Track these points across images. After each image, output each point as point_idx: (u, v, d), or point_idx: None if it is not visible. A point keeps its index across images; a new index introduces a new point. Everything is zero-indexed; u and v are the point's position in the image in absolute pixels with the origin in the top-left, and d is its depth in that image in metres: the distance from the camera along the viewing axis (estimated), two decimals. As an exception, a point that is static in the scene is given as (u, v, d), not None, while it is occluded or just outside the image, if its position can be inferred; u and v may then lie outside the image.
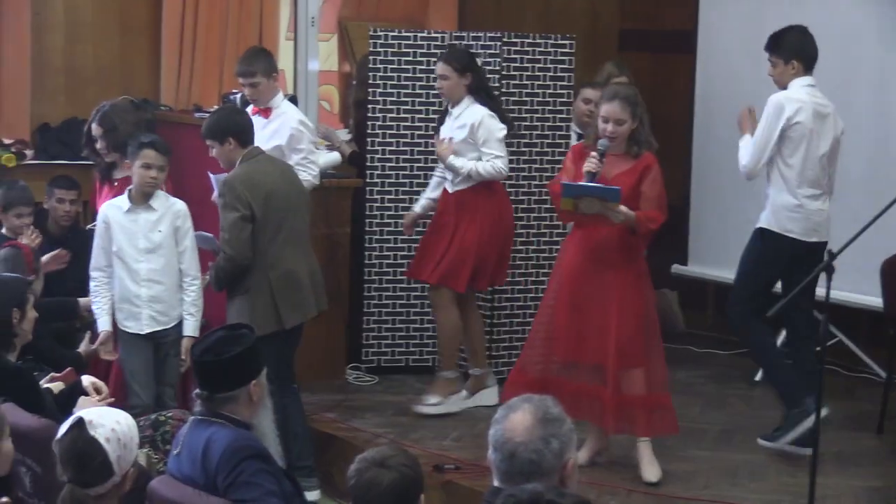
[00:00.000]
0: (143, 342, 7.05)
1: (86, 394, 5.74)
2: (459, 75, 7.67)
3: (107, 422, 4.20)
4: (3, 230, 7.52)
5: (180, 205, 7.17)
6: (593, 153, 6.56)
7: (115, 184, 7.59)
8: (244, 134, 7.05)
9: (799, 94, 7.25)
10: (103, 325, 7.10)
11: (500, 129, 7.68)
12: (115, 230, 7.04)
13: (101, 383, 5.89)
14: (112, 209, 7.10)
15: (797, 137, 7.18)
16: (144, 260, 7.05)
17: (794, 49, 7.40)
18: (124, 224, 7.05)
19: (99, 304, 7.10)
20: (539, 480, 3.53)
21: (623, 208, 6.47)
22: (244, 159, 6.99)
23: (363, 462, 4.07)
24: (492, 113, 7.68)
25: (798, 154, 7.20)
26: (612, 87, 6.85)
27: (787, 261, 7.21)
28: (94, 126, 7.67)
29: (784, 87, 7.33)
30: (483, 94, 7.74)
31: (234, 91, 8.54)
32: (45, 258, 7.54)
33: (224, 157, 7.04)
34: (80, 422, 4.18)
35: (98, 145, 7.65)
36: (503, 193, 7.91)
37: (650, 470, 6.70)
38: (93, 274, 7.13)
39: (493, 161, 7.60)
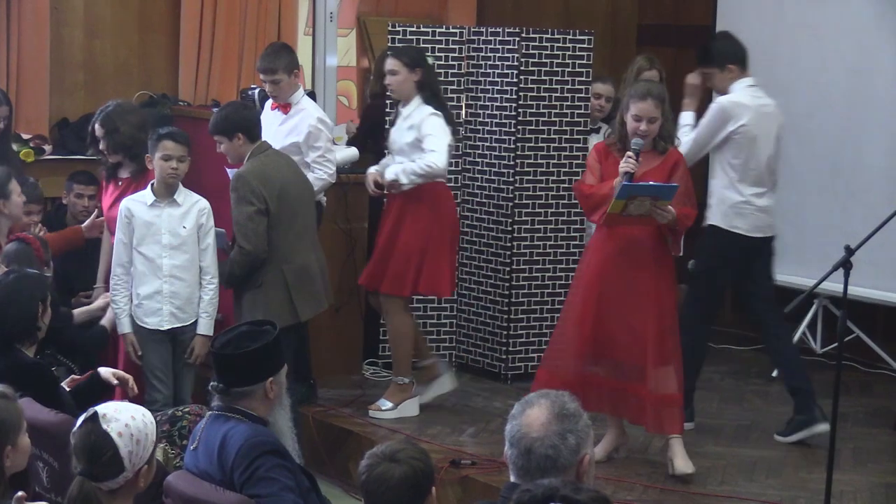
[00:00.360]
0: (161, 338, 7.01)
1: (104, 386, 5.74)
2: (409, 70, 7.56)
3: (122, 417, 4.19)
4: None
5: (204, 202, 7.11)
6: (629, 152, 6.46)
7: (120, 183, 7.47)
8: (253, 129, 7.08)
9: (743, 98, 7.43)
10: (124, 327, 7.01)
11: (443, 128, 7.51)
12: (137, 224, 6.97)
13: (121, 372, 5.89)
14: (135, 203, 7.02)
15: (742, 140, 7.37)
16: (167, 256, 6.97)
17: (725, 54, 7.58)
18: (147, 219, 6.97)
19: (119, 303, 7.01)
20: (555, 476, 3.53)
21: (671, 207, 6.42)
22: (253, 154, 7.03)
23: (373, 457, 4.07)
24: (437, 112, 7.54)
25: (742, 155, 7.38)
26: (643, 85, 6.75)
27: (739, 257, 7.39)
28: (96, 127, 7.52)
29: (725, 92, 7.50)
30: (429, 92, 7.60)
31: (253, 87, 8.55)
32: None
33: (233, 152, 7.06)
34: (95, 415, 4.18)
35: (101, 146, 7.51)
36: (443, 196, 7.72)
37: (687, 463, 6.67)
38: (116, 270, 7.04)
39: (426, 156, 7.41)
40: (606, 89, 8.71)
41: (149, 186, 7.03)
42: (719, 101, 7.45)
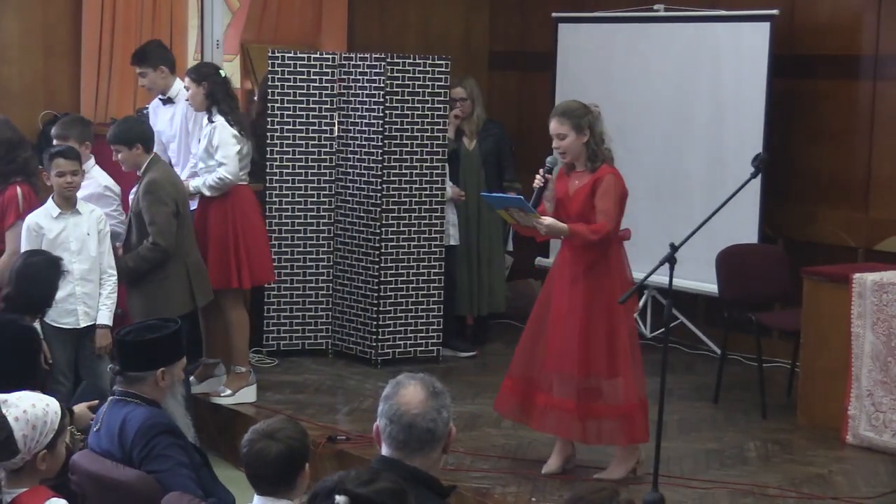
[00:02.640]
0: (68, 338, 6.80)
1: None
2: (197, 85, 7.50)
3: (22, 404, 4.10)
4: None
5: (99, 211, 7.01)
6: (541, 169, 6.18)
7: None
8: (149, 141, 7.10)
9: None
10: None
11: (230, 137, 7.45)
12: (46, 235, 6.76)
13: None
14: (40, 217, 6.80)
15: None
16: (77, 261, 6.78)
17: (158, 57, 7.92)
18: (56, 229, 6.78)
19: None
20: (433, 446, 3.57)
21: (546, 220, 6.10)
22: (153, 163, 7.03)
23: (255, 433, 4.10)
24: (226, 122, 7.47)
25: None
26: (555, 107, 6.41)
27: None
28: None
29: (161, 90, 7.92)
30: (212, 100, 7.50)
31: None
32: None
33: (131, 160, 7.04)
34: None
35: None
36: (239, 195, 7.58)
37: (618, 470, 6.34)
38: None
39: (217, 171, 7.39)
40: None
41: (50, 200, 6.86)
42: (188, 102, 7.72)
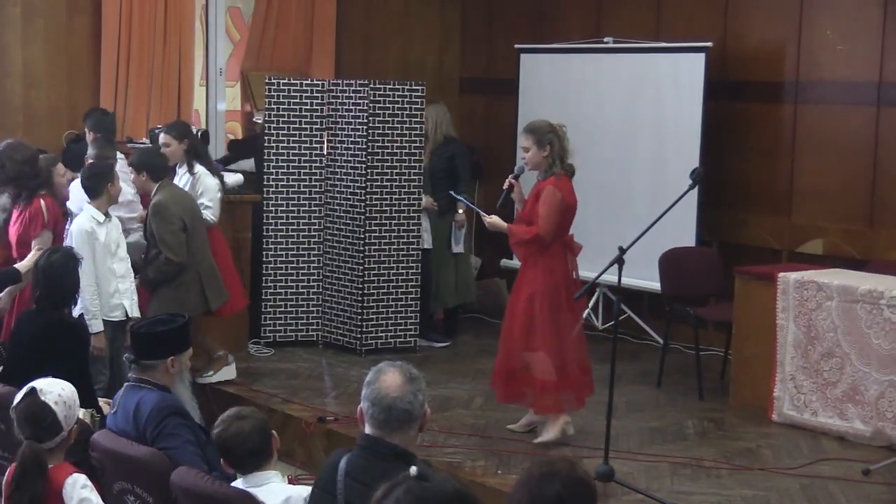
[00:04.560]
0: (114, 329, 6.70)
1: None
2: (179, 142, 7.54)
3: (54, 389, 4.15)
4: None
5: (115, 219, 6.94)
6: (510, 175, 6.37)
7: (18, 207, 7.00)
8: (156, 171, 7.01)
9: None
10: (99, 326, 6.57)
11: (214, 184, 7.55)
12: (99, 239, 6.64)
13: None
14: (92, 223, 6.63)
15: None
16: (115, 261, 6.71)
17: (92, 120, 7.76)
18: (104, 233, 6.67)
19: (96, 306, 6.60)
20: (410, 425, 3.56)
21: (490, 219, 6.32)
22: (161, 187, 7.00)
23: (225, 420, 4.22)
24: (207, 171, 7.56)
25: None
26: (528, 123, 6.44)
27: None
28: None
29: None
30: (194, 153, 7.58)
31: (158, 126, 8.40)
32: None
33: (138, 184, 7.11)
34: (33, 390, 4.12)
35: None
36: (217, 235, 7.64)
37: (549, 434, 6.45)
38: (90, 280, 6.52)
39: (203, 213, 7.40)
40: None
41: (90, 206, 6.69)
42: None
